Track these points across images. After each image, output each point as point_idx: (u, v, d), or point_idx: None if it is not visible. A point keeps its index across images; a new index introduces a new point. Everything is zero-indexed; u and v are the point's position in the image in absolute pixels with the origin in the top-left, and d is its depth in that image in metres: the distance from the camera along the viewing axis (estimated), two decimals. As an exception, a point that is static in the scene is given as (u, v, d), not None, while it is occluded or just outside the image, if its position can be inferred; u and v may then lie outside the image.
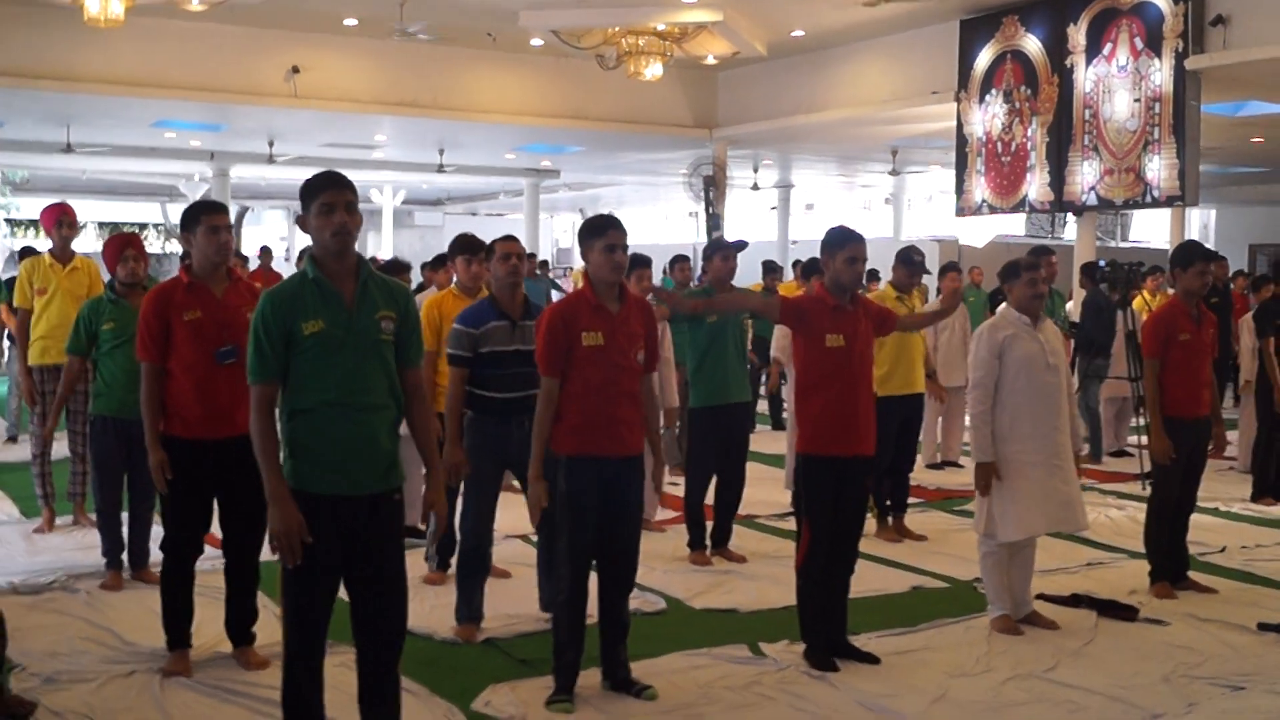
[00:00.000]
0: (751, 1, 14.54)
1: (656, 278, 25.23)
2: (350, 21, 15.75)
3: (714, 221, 19.98)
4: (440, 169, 22.61)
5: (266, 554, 5.78)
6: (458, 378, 6.12)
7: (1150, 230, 31.70)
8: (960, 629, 6.50)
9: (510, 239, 6.46)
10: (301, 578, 4.27)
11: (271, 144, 21.09)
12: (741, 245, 8.10)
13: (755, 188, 25.49)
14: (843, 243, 5.89)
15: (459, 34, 16.27)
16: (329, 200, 4.23)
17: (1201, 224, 29.30)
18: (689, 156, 20.74)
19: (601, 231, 5.29)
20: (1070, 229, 28.38)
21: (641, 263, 8.18)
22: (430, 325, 6.83)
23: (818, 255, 6.37)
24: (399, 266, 9.76)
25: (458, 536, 7.20)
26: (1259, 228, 26.01)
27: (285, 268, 24.90)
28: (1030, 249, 10.67)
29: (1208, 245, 26.37)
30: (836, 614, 5.97)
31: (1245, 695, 5.51)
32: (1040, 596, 6.86)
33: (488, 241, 6.73)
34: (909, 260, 8.64)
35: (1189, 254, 7.44)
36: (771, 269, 14.93)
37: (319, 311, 4.23)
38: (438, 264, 9.92)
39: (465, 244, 7.32)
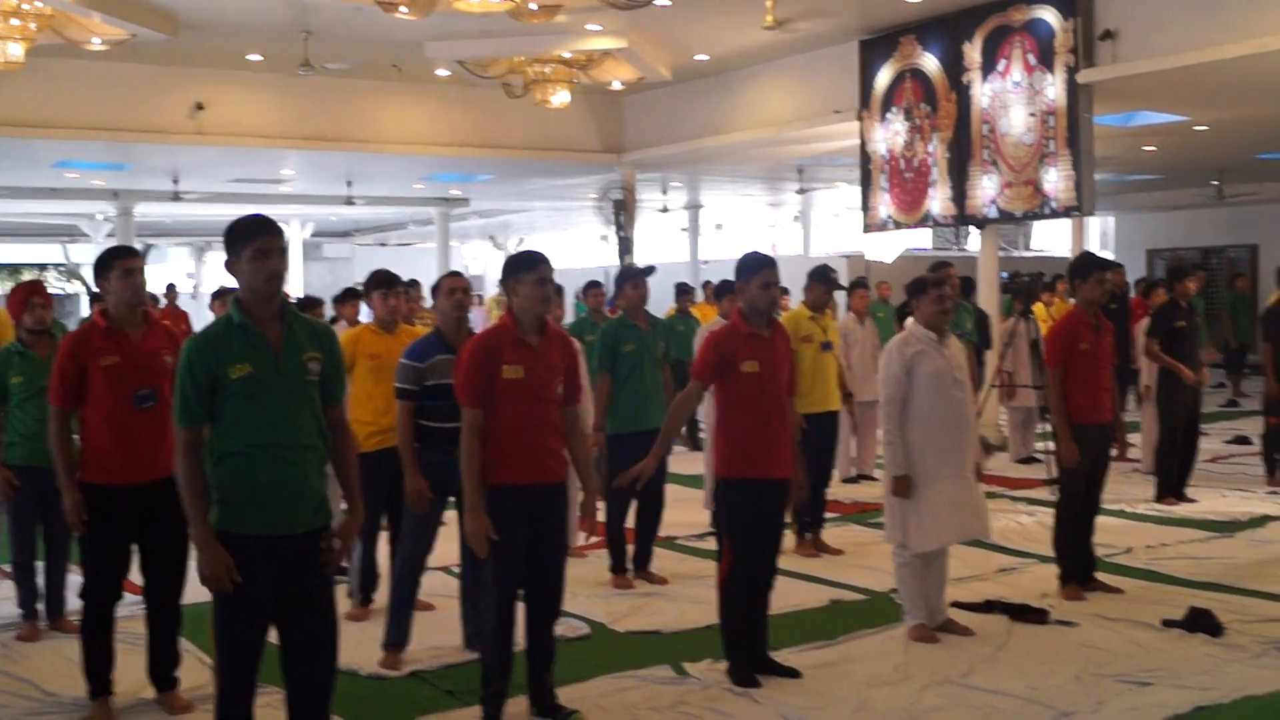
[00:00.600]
0: (655, 27, 14.68)
1: (570, 302, 25.38)
2: (254, 57, 15.71)
3: (625, 245, 20.11)
4: (349, 201, 22.57)
5: (189, 597, 5.84)
6: (406, 411, 6.21)
7: (1051, 239, 32.28)
8: (878, 639, 6.65)
9: (455, 274, 6.64)
10: (234, 619, 4.32)
11: (176, 181, 20.96)
12: (650, 270, 8.25)
13: (664, 210, 25.70)
14: (756, 269, 6.00)
15: (364, 67, 16.30)
16: (264, 246, 4.30)
17: (1100, 231, 29.92)
18: (598, 181, 20.87)
19: (533, 266, 5.38)
20: (975, 240, 28.97)
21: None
22: (346, 361, 6.87)
23: (730, 276, 6.51)
24: (311, 302, 9.79)
25: (378, 572, 7.29)
26: (1156, 233, 26.61)
27: (191, 305, 24.69)
28: (932, 263, 10.93)
29: (1107, 252, 27.06)
30: (758, 631, 6.09)
31: (1152, 690, 5.70)
32: (955, 604, 7.03)
33: (403, 274, 6.83)
34: (825, 278, 8.78)
35: (1086, 264, 7.68)
36: (684, 290, 15.07)
37: (246, 355, 4.29)
38: (346, 297, 9.96)
39: (381, 279, 7.39)
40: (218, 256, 38.60)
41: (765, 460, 5.96)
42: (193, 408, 4.30)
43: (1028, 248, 32.49)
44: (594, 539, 6.80)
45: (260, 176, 20.75)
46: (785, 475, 6.05)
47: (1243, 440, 13.87)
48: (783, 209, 31.55)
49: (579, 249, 40.98)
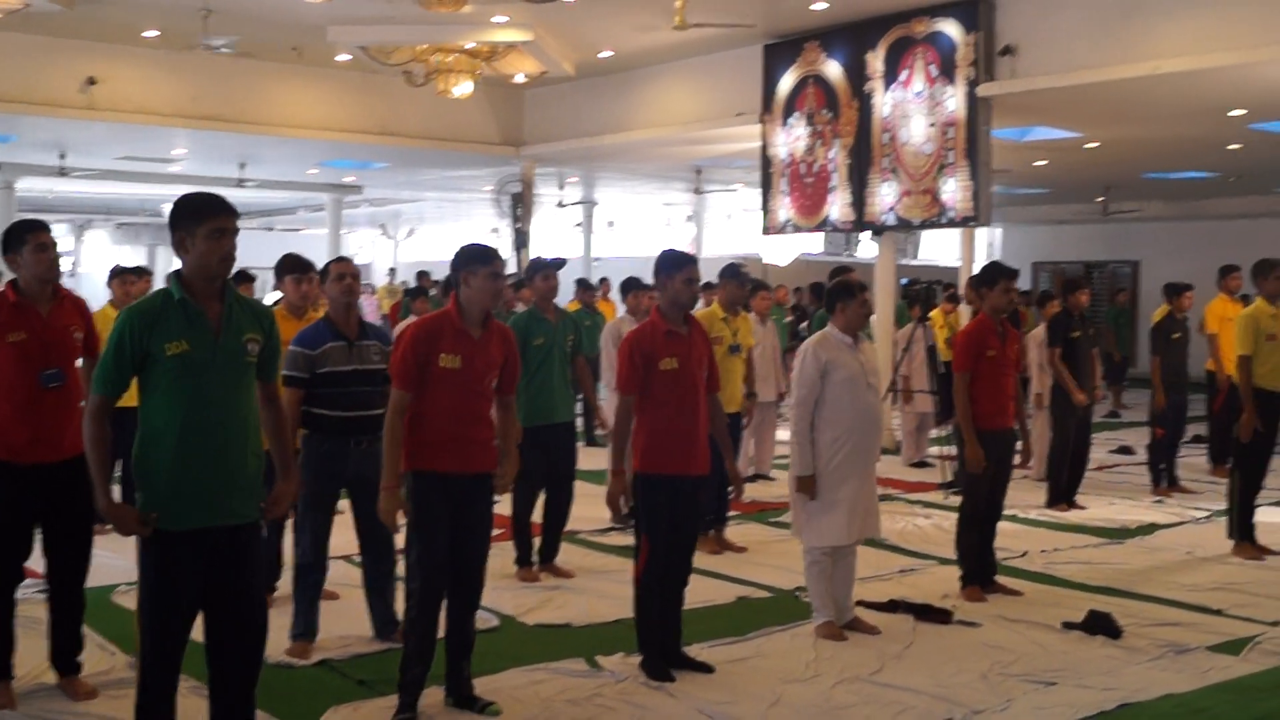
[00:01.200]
0: (562, 22, 14.64)
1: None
2: (151, 33, 15.39)
3: (520, 238, 20.05)
4: (240, 184, 22.18)
5: (92, 580, 5.73)
6: (294, 399, 6.10)
7: (938, 249, 32.82)
8: (787, 636, 6.72)
9: (344, 260, 6.55)
10: (161, 609, 4.25)
11: (63, 156, 20.43)
12: (560, 263, 8.25)
13: (561, 205, 25.65)
14: (680, 264, 6.05)
15: (264, 48, 16.04)
16: (222, 225, 4.26)
17: (988, 242, 30.45)
18: (494, 174, 20.78)
19: (488, 260, 5.38)
20: (864, 247, 29.33)
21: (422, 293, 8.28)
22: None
23: (624, 274, 6.55)
24: (244, 277, 9.60)
25: (282, 562, 7.20)
26: (1042, 246, 27.19)
27: (69, 284, 24.07)
28: (834, 268, 11.07)
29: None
30: (671, 625, 6.12)
31: (1057, 690, 5.84)
32: (860, 603, 7.13)
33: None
34: (737, 275, 8.83)
35: (993, 274, 7.83)
36: (586, 286, 15.10)
37: (184, 332, 4.23)
38: (239, 280, 9.81)
39: (294, 264, 7.29)
40: (98, 235, 37.76)
41: (684, 457, 6.00)
42: (112, 378, 4.24)
43: (915, 256, 32.97)
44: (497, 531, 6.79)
45: (151, 155, 20.33)
46: (703, 472, 6.09)
47: (1126, 450, 14.23)
48: (676, 208, 31.67)
49: (468, 241, 40.71)
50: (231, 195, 20.28)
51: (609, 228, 34.55)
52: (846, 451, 6.63)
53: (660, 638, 6.04)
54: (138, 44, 15.85)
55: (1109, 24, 12.30)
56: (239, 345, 4.32)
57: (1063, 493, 10.75)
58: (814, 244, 19.68)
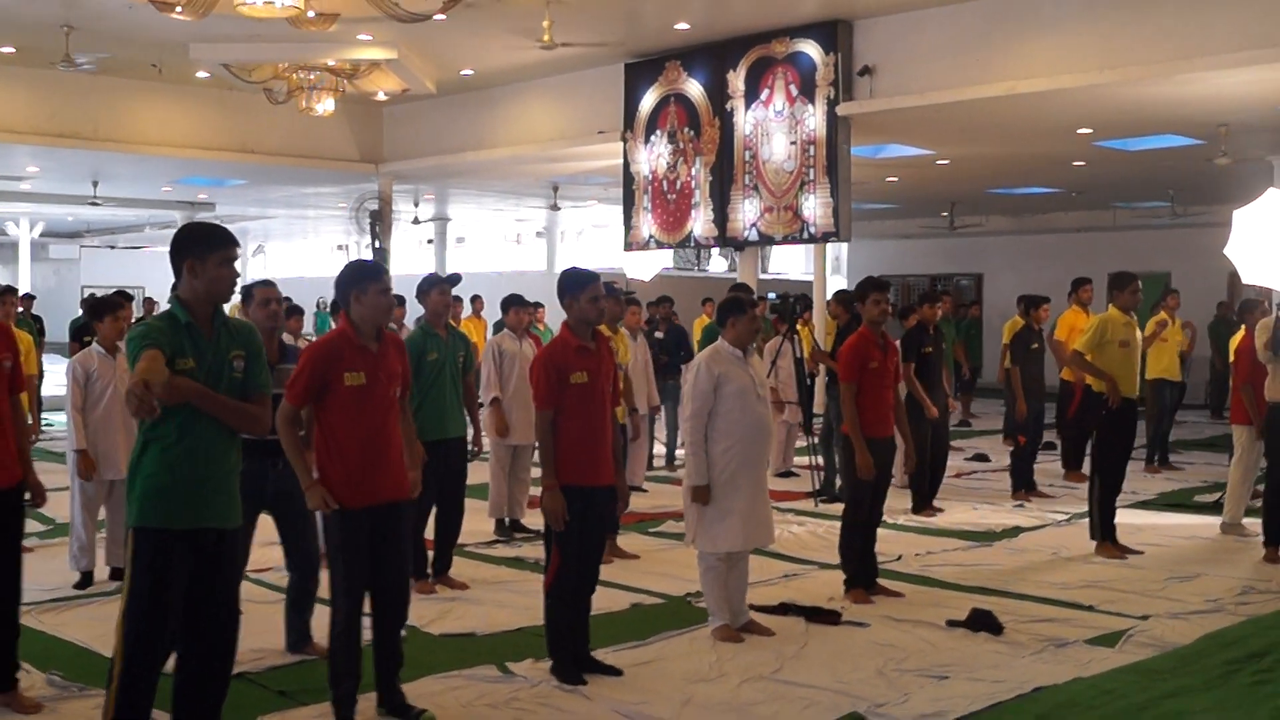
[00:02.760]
0: (425, 40, 14.73)
1: (311, 312, 24.90)
2: (7, 49, 15.09)
3: (380, 255, 20.02)
4: (94, 202, 21.78)
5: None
6: None
7: (787, 262, 33.48)
8: (686, 640, 6.92)
9: (268, 284, 6.59)
10: (151, 608, 4.41)
11: (-96, 173, 19.92)
12: (456, 279, 8.35)
13: (416, 221, 25.66)
14: (585, 283, 6.24)
15: (123, 65, 15.85)
16: (231, 255, 4.60)
17: (834, 256, 31.15)
18: (349, 190, 20.75)
19: (377, 276, 5.49)
20: (714, 262, 29.79)
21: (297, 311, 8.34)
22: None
23: (476, 289, 6.70)
24: (124, 296, 9.44)
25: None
26: (888, 260, 27.89)
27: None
28: (733, 284, 11.34)
29: (839, 278, 28.22)
30: (580, 631, 6.29)
31: (950, 684, 6.13)
32: (752, 607, 7.36)
33: (135, 278, 6.79)
34: (614, 292, 9.07)
35: (865, 287, 8.14)
36: (454, 301, 15.15)
37: (190, 351, 4.47)
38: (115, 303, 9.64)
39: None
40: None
41: (593, 467, 6.18)
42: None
43: (765, 270, 33.56)
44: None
45: (4, 172, 19.88)
46: (610, 482, 6.27)
47: (982, 458, 14.74)
48: (528, 224, 31.83)
49: (314, 258, 40.47)
50: (79, 212, 20.06)
51: (458, 244, 34.57)
52: (739, 461, 6.87)
53: (570, 643, 6.20)
54: (-6, 60, 15.57)
55: (966, 46, 12.84)
56: (227, 362, 4.58)
57: (925, 498, 11.12)
58: (664, 260, 19.91)
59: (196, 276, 4.52)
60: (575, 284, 6.25)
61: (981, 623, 7.10)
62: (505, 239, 35.50)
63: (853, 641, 6.90)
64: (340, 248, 40.61)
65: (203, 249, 4.53)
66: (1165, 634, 7.03)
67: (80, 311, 21.78)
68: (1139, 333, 9.61)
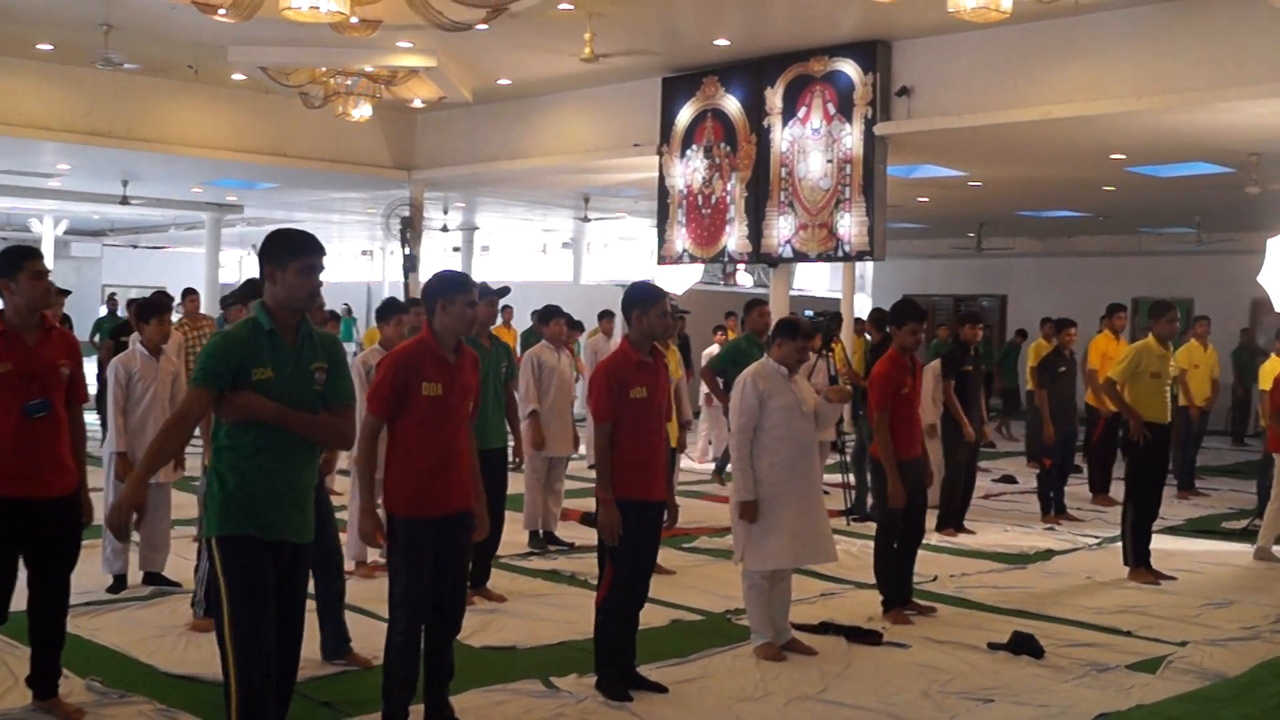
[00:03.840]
0: (464, 49, 14.77)
1: (366, 323, 24.84)
2: (45, 46, 15.17)
3: (410, 262, 20.06)
4: (124, 201, 21.86)
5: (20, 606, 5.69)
6: None
7: (810, 279, 33.43)
8: (728, 657, 6.94)
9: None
10: (254, 613, 4.41)
11: (-64, 167, 20.02)
12: (505, 290, 8.38)
13: (445, 229, 25.71)
14: (656, 298, 6.24)
15: (160, 65, 15.90)
16: (312, 263, 4.55)
17: (859, 274, 31.13)
18: (381, 197, 20.79)
19: (466, 289, 5.51)
20: (740, 276, 29.78)
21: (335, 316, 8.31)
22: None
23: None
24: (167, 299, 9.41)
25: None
26: (913, 279, 27.86)
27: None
28: (748, 301, 11.35)
29: (865, 294, 28.21)
30: (627, 647, 6.30)
31: (995, 707, 6.15)
32: (793, 625, 7.38)
33: (160, 279, 6.81)
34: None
35: (904, 315, 8.12)
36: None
37: (271, 360, 4.44)
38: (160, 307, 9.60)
39: (256, 291, 7.26)
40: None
41: (649, 482, 6.19)
42: (214, 379, 4.42)
43: (791, 286, 33.52)
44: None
45: (34, 169, 19.97)
46: (663, 497, 6.29)
47: (1009, 479, 14.72)
48: (555, 234, 31.87)
49: (340, 263, 40.58)
50: (104, 211, 20.07)
51: (483, 252, 34.65)
52: (784, 477, 6.90)
53: (619, 658, 6.22)
54: (32, 56, 15.62)
55: (1004, 69, 12.86)
56: (309, 374, 4.56)
57: (952, 518, 11.13)
58: (696, 274, 19.93)
59: (276, 283, 4.53)
60: (647, 298, 6.23)
61: (1023, 646, 7.10)
62: (531, 249, 35.55)
63: (895, 662, 6.91)
64: (365, 253, 40.72)
65: (284, 255, 4.53)
66: (1205, 661, 7.04)
67: (103, 310, 21.91)
68: (1173, 363, 9.60)
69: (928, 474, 8.38)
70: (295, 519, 4.55)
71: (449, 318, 5.47)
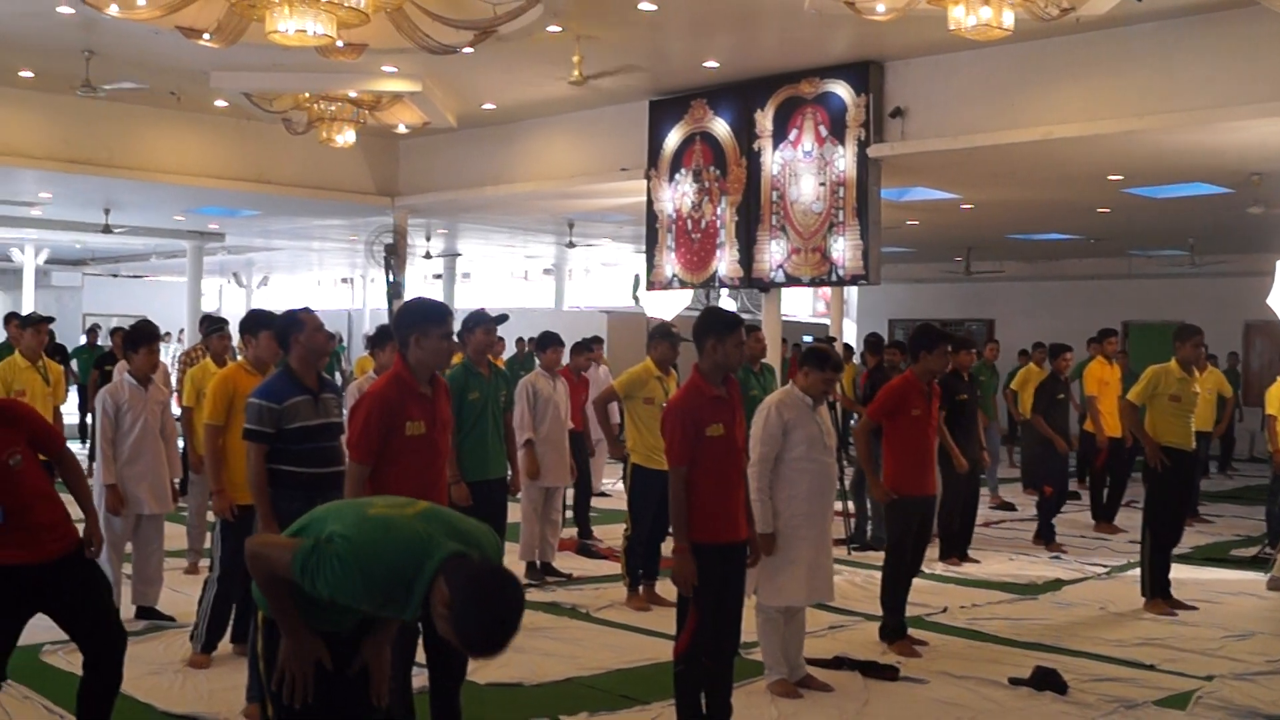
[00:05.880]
0: (449, 73, 14.56)
1: (358, 352, 24.54)
2: (26, 74, 14.92)
3: (395, 290, 19.81)
4: (106, 229, 21.56)
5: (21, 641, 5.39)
6: (260, 454, 5.87)
7: (794, 305, 33.31)
8: (742, 694, 6.63)
9: (311, 311, 6.33)
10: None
11: (-87, 196, 19.71)
12: (503, 318, 8.16)
13: (428, 255, 25.49)
14: (733, 326, 5.75)
15: (142, 92, 15.63)
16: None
17: (843, 299, 30.99)
18: (366, 223, 20.57)
19: (440, 320, 5.26)
20: (723, 301, 29.59)
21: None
22: (223, 399, 6.60)
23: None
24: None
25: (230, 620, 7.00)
26: (899, 303, 27.65)
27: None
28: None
29: (849, 321, 28.03)
30: (717, 699, 5.90)
31: (1025, 747, 5.91)
32: (807, 660, 7.14)
33: (140, 307, 6.61)
34: (669, 335, 8.97)
35: (933, 339, 7.93)
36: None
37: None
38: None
39: (262, 319, 7.03)
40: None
41: (728, 523, 5.80)
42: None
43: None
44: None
45: (13, 198, 19.68)
46: (745, 535, 5.96)
47: (1008, 506, 14.50)
48: (536, 260, 31.67)
49: (320, 290, 40.39)
50: (86, 240, 19.80)
51: (464, 279, 34.44)
52: (803, 510, 6.66)
53: (701, 713, 5.83)
54: (12, 84, 15.36)
55: (1000, 90, 12.70)
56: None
57: (954, 547, 10.91)
58: (685, 299, 19.70)
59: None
60: (721, 326, 5.74)
61: (1046, 682, 6.87)
62: (512, 275, 35.35)
63: (914, 699, 6.68)
64: (345, 281, 40.48)
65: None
66: (1234, 696, 6.82)
67: (83, 339, 21.63)
68: (1195, 389, 9.33)
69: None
70: None
71: (424, 352, 5.21)
